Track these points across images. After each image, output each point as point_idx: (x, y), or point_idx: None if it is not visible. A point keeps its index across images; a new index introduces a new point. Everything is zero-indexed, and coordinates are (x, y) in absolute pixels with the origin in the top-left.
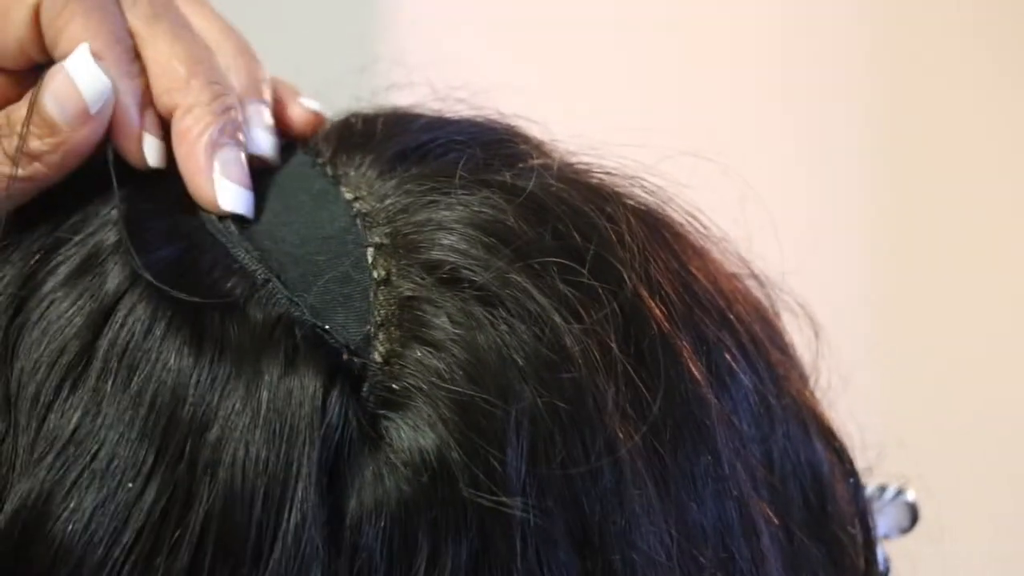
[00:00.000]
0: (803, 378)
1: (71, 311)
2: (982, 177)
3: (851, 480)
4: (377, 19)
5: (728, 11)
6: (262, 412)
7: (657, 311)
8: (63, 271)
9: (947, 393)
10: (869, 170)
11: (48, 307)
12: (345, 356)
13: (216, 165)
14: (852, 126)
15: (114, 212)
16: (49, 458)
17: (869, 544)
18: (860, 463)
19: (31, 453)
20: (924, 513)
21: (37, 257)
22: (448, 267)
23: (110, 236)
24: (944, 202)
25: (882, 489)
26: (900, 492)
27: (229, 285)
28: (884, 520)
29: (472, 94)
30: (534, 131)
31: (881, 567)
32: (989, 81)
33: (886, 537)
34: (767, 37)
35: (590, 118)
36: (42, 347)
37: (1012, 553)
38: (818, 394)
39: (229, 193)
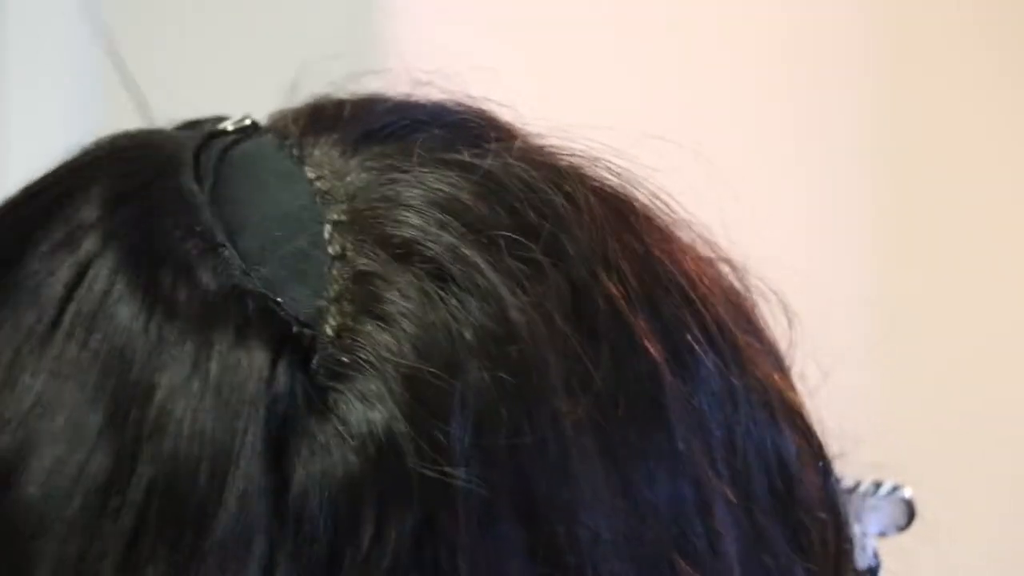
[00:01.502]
0: (777, 363)
1: (50, 280)
2: (983, 177)
3: (820, 464)
4: (377, 17)
5: (729, 10)
6: (209, 382)
7: (612, 288)
8: (45, 246)
9: (947, 393)
10: (870, 170)
11: (26, 279)
12: (295, 328)
13: None
14: (852, 125)
15: (98, 191)
16: (16, 421)
17: (839, 528)
18: (833, 448)
19: (2, 416)
20: (923, 513)
21: (20, 235)
22: (402, 243)
23: (92, 213)
24: (945, 202)
25: (877, 485)
26: (896, 488)
27: (187, 247)
28: (879, 517)
29: (445, 78)
30: (505, 114)
31: (871, 562)
32: (989, 81)
33: (882, 534)
34: (767, 35)
35: (590, 116)
36: (18, 314)
37: (1012, 553)
38: (800, 384)
39: None
